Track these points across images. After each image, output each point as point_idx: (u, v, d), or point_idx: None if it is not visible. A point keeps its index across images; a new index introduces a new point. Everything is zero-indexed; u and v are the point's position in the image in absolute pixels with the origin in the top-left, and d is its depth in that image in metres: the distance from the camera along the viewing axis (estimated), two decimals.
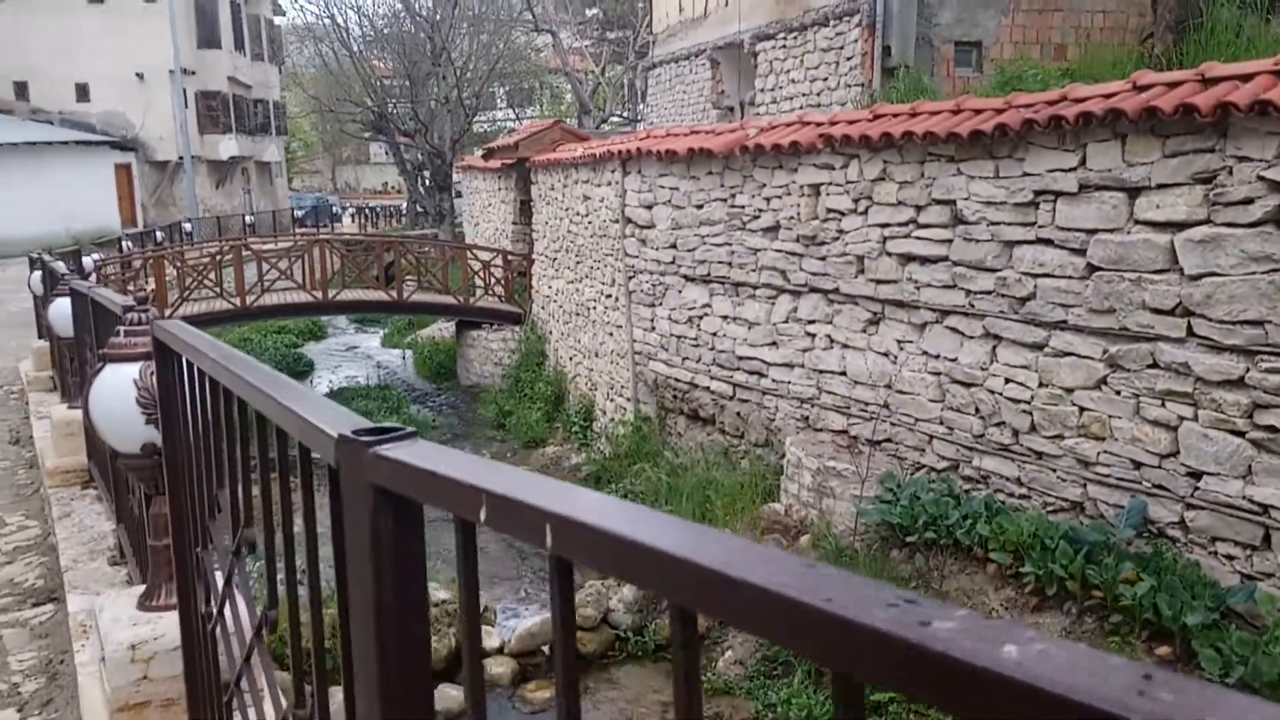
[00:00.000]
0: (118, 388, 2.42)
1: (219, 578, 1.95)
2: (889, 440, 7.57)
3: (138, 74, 33.06)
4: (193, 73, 33.78)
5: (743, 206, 8.86)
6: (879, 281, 7.43)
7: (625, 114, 33.10)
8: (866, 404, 7.71)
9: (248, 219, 30.48)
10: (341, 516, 1.03)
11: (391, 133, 32.61)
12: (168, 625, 2.38)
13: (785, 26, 14.64)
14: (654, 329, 10.60)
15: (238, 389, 1.46)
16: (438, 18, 30.27)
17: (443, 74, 30.53)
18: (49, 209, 27.75)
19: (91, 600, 3.81)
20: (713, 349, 9.56)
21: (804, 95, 14.37)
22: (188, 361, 1.96)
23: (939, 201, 6.91)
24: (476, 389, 17.24)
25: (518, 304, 17.85)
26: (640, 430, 10.80)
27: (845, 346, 7.86)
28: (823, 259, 7.92)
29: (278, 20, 45.35)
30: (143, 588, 2.63)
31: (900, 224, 7.19)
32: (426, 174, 34.53)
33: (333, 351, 23.66)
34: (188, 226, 24.72)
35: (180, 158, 32.80)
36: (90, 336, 4.44)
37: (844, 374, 7.92)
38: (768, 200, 8.53)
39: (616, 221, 11.20)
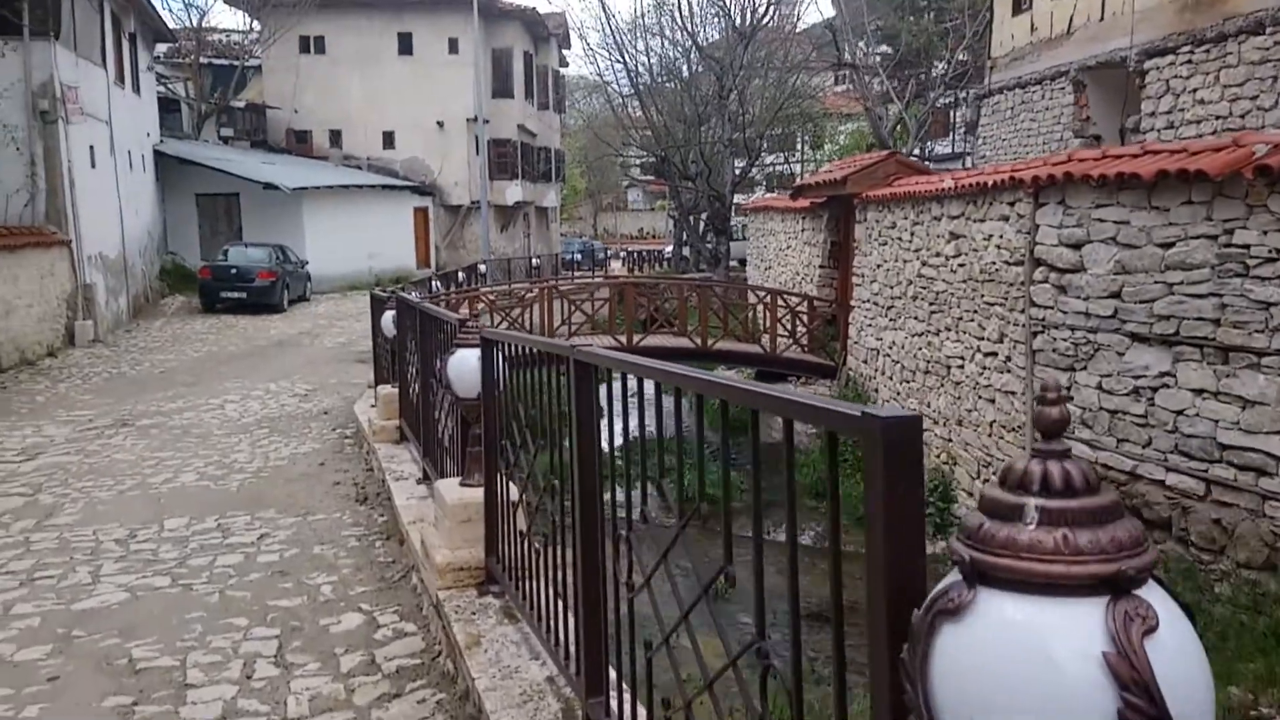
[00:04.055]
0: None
1: None
2: None
3: (438, 122, 34.52)
4: (487, 121, 34.95)
5: (1246, 246, 6.70)
6: None
7: (918, 150, 30.93)
8: None
9: (533, 261, 30.77)
10: None
11: (674, 176, 32.08)
12: None
13: (1193, 38, 12.19)
14: (1070, 399, 8.51)
15: None
16: (728, 61, 29.45)
17: (728, 115, 29.65)
18: (356, 248, 29.21)
19: None
20: (1174, 431, 7.38)
21: (1218, 118, 11.84)
22: None
23: None
24: (780, 447, 15.61)
25: (827, 355, 16.17)
26: None
27: None
28: None
29: (562, 72, 46.69)
30: None
31: None
32: (700, 217, 33.78)
33: (616, 395, 23.02)
34: (482, 268, 25.00)
35: (473, 202, 33.89)
36: (527, 409, 3.13)
37: None
38: None
39: (1016, 264, 9.24)
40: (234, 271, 21.88)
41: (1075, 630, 0.90)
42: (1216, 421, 7.00)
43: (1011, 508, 0.97)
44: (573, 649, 3.00)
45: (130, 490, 7.52)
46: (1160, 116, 12.93)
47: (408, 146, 34.90)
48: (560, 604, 3.21)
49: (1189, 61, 12.34)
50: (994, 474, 9.40)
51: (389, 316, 7.62)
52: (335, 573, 5.48)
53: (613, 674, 2.84)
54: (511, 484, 3.96)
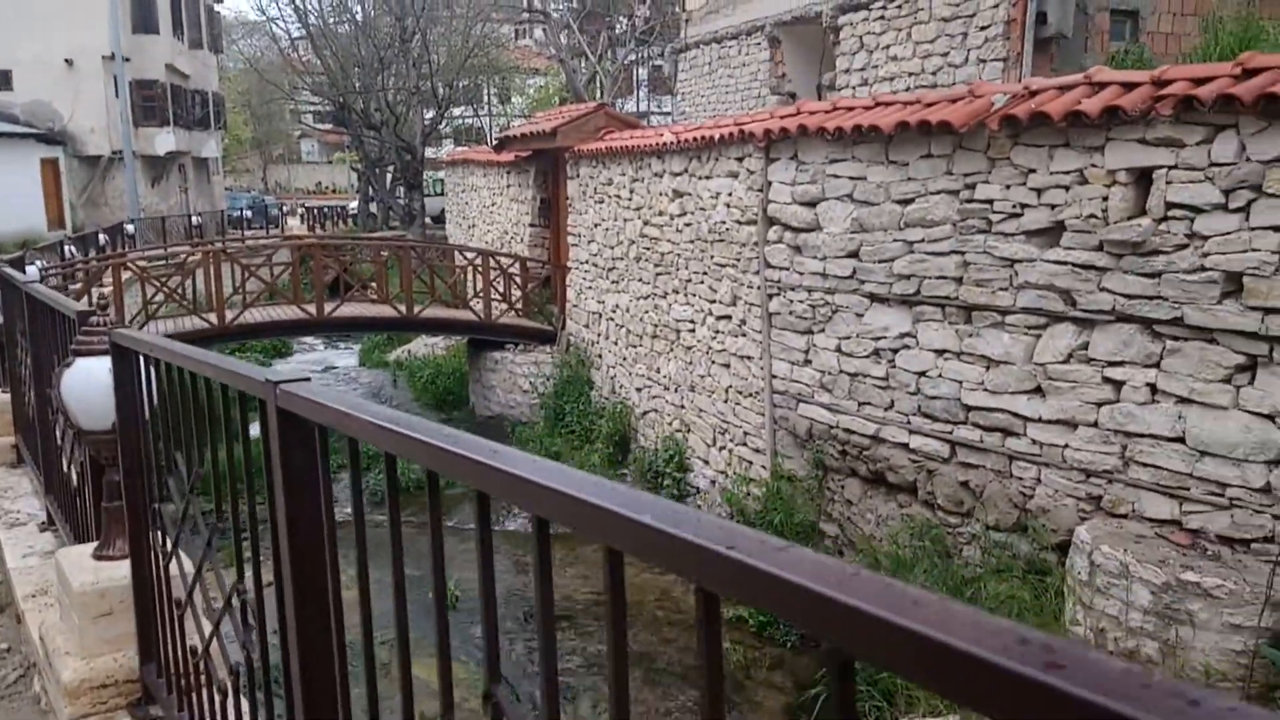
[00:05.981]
0: None
1: None
2: (1269, 540, 5.28)
3: (66, 60, 29.47)
4: (128, 59, 30.23)
5: (989, 202, 6.51)
6: (1269, 310, 5.14)
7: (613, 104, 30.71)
8: (1225, 486, 5.41)
9: (193, 220, 27.19)
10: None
11: (355, 125, 29.61)
12: None
13: None
14: (809, 363, 8.18)
15: None
16: (408, 1, 27.39)
17: (413, 61, 27.67)
18: None
19: None
20: (917, 393, 7.19)
21: (911, 75, 12.13)
22: None
23: None
24: (502, 421, 14.57)
25: (545, 320, 15.29)
26: (781, 493, 8.37)
27: (1186, 401, 5.55)
28: (1155, 276, 5.60)
29: (217, 7, 41.70)
30: None
31: None
32: (388, 170, 31.60)
33: (306, 371, 20.75)
34: (130, 229, 21.50)
35: (115, 152, 29.40)
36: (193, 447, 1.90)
37: (1180, 440, 5.61)
38: (1038, 192, 6.20)
39: (748, 223, 8.76)
40: None
41: None
42: (960, 382, 6.86)
43: None
44: None
45: None
46: (855, 73, 13.12)
47: (29, 88, 29.52)
48: None
49: (882, 18, 12.55)
50: (735, 443, 8.83)
51: None
52: None
53: None
54: (180, 556, 2.66)
